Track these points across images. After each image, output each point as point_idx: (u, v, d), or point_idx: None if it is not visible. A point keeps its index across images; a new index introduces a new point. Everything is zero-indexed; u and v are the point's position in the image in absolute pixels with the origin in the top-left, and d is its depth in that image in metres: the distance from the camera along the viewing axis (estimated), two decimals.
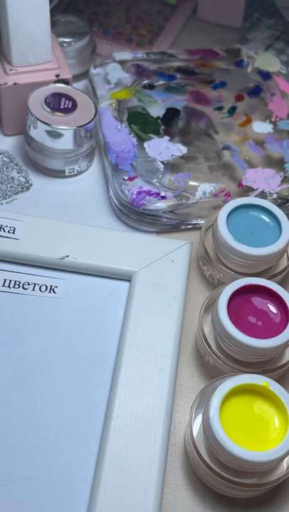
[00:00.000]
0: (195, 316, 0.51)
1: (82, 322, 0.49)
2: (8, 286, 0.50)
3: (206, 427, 0.40)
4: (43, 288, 0.51)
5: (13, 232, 0.52)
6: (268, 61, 0.67)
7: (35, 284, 0.51)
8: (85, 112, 0.57)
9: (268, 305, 0.47)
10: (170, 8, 0.76)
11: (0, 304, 0.49)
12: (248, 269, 0.51)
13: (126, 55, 0.66)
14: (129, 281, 0.51)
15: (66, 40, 0.66)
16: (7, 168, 0.60)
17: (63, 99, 0.58)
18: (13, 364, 0.47)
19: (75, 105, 0.57)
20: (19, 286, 0.50)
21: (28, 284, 0.51)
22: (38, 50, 0.58)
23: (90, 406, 0.45)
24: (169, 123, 0.61)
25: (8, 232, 0.52)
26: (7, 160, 0.60)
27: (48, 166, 0.59)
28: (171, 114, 0.61)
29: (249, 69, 0.67)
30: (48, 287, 0.51)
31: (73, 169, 0.59)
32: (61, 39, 0.65)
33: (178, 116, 0.61)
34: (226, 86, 0.65)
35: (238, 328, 0.44)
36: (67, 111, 0.57)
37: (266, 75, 0.66)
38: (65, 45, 0.65)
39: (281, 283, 0.52)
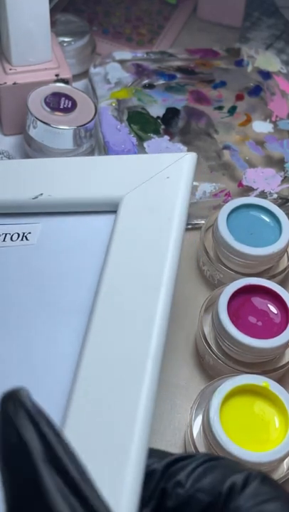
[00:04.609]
0: (195, 316, 0.51)
1: (57, 268, 0.42)
2: None
3: (206, 427, 0.40)
4: (15, 237, 0.44)
5: None
6: (268, 60, 0.67)
7: (6, 234, 0.44)
8: (84, 112, 0.57)
9: (268, 305, 0.47)
10: (170, 8, 0.76)
11: None
12: (248, 269, 0.51)
13: (126, 54, 0.66)
14: (115, 212, 0.42)
15: (66, 39, 0.66)
16: None
17: (63, 98, 0.57)
18: None
19: (74, 105, 0.57)
20: None
21: None
22: (38, 49, 0.58)
23: (60, 355, 0.37)
24: (169, 123, 0.60)
25: None
26: (7, 160, 0.60)
27: None
28: (171, 113, 0.61)
29: (249, 68, 0.67)
30: (21, 235, 0.44)
31: None
32: (61, 38, 0.65)
33: (178, 116, 0.61)
34: (226, 85, 0.65)
35: (238, 328, 0.44)
36: (66, 110, 0.57)
37: (266, 75, 0.66)
38: (64, 44, 0.65)
39: (281, 283, 0.52)
